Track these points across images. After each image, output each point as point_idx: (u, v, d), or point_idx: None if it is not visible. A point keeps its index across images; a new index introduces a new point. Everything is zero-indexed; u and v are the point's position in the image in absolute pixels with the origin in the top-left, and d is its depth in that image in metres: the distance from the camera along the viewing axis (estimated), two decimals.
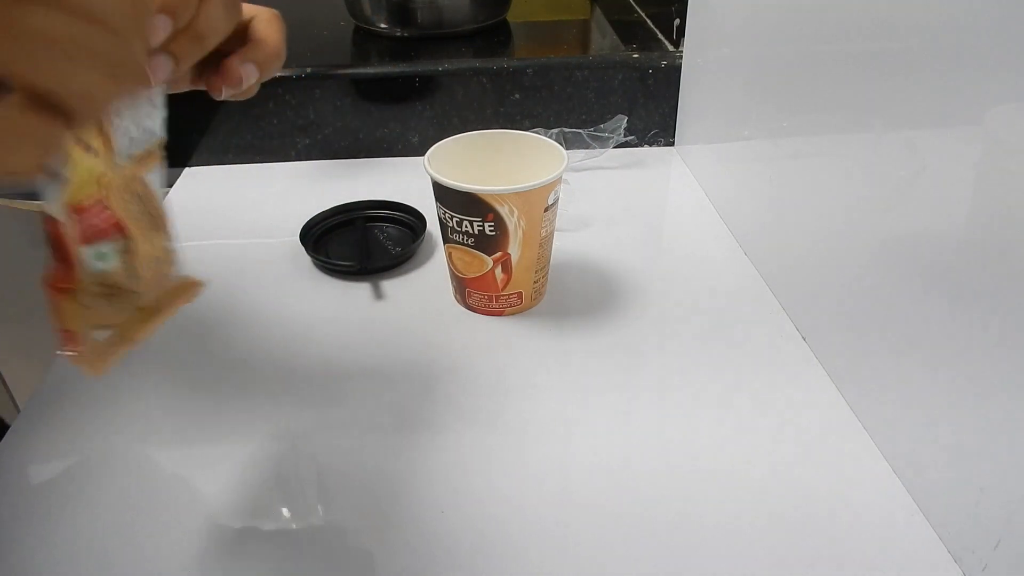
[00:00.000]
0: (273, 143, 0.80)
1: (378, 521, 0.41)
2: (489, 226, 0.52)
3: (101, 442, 0.46)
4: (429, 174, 0.52)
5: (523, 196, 0.51)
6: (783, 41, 0.54)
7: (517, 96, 0.79)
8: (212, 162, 0.80)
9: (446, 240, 0.55)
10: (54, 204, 0.28)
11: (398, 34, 0.88)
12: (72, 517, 0.42)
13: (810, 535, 0.40)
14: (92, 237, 0.29)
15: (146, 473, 0.44)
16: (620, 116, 0.77)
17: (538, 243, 0.54)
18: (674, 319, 0.56)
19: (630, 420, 0.47)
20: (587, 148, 0.78)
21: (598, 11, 0.99)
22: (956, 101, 0.36)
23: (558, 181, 0.53)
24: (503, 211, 0.51)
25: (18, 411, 0.57)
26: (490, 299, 0.56)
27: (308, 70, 0.76)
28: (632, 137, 0.81)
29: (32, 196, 0.82)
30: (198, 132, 0.78)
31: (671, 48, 0.80)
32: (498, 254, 0.53)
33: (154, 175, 0.32)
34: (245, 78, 0.36)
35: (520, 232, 0.52)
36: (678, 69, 0.78)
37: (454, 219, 0.53)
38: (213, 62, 0.35)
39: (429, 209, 0.61)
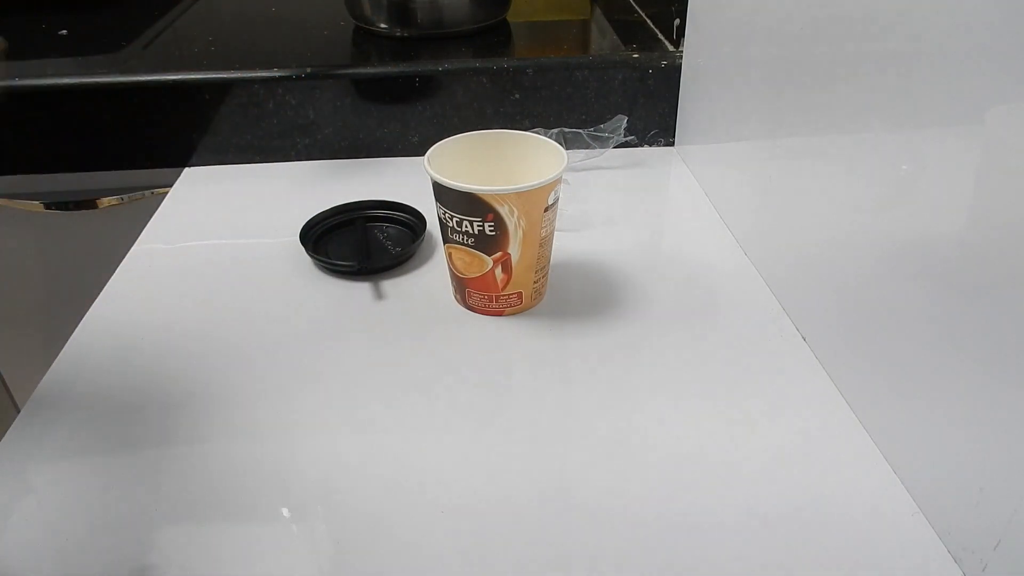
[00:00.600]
0: (273, 143, 0.80)
1: (378, 521, 0.41)
2: (489, 226, 0.52)
3: (101, 442, 0.46)
4: (429, 174, 0.53)
5: (523, 196, 0.51)
6: (783, 41, 0.54)
7: (517, 96, 0.79)
8: (212, 162, 0.80)
9: (446, 240, 0.55)
10: None
11: (398, 34, 0.88)
12: (72, 517, 0.42)
13: (810, 535, 0.40)
14: None
15: (146, 473, 0.44)
16: (620, 116, 0.77)
17: (538, 243, 0.54)
18: (674, 319, 0.56)
19: (630, 420, 0.47)
20: (587, 148, 0.78)
21: (598, 11, 0.99)
22: (956, 101, 0.36)
23: (558, 181, 0.53)
24: (503, 211, 0.51)
25: (18, 411, 0.57)
26: (490, 299, 0.56)
27: (308, 70, 0.76)
28: (632, 137, 0.81)
29: (32, 196, 0.82)
30: (198, 132, 0.78)
31: (671, 48, 0.80)
32: (498, 254, 0.53)
33: None
34: None
35: (520, 232, 0.52)
36: (678, 69, 0.78)
37: (454, 219, 0.53)
38: None
39: (429, 209, 0.61)
